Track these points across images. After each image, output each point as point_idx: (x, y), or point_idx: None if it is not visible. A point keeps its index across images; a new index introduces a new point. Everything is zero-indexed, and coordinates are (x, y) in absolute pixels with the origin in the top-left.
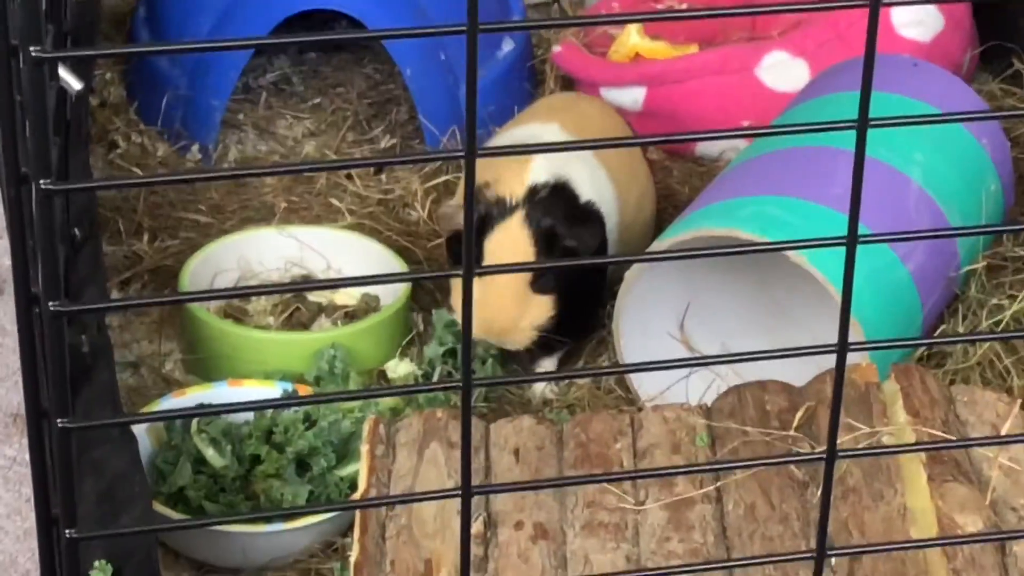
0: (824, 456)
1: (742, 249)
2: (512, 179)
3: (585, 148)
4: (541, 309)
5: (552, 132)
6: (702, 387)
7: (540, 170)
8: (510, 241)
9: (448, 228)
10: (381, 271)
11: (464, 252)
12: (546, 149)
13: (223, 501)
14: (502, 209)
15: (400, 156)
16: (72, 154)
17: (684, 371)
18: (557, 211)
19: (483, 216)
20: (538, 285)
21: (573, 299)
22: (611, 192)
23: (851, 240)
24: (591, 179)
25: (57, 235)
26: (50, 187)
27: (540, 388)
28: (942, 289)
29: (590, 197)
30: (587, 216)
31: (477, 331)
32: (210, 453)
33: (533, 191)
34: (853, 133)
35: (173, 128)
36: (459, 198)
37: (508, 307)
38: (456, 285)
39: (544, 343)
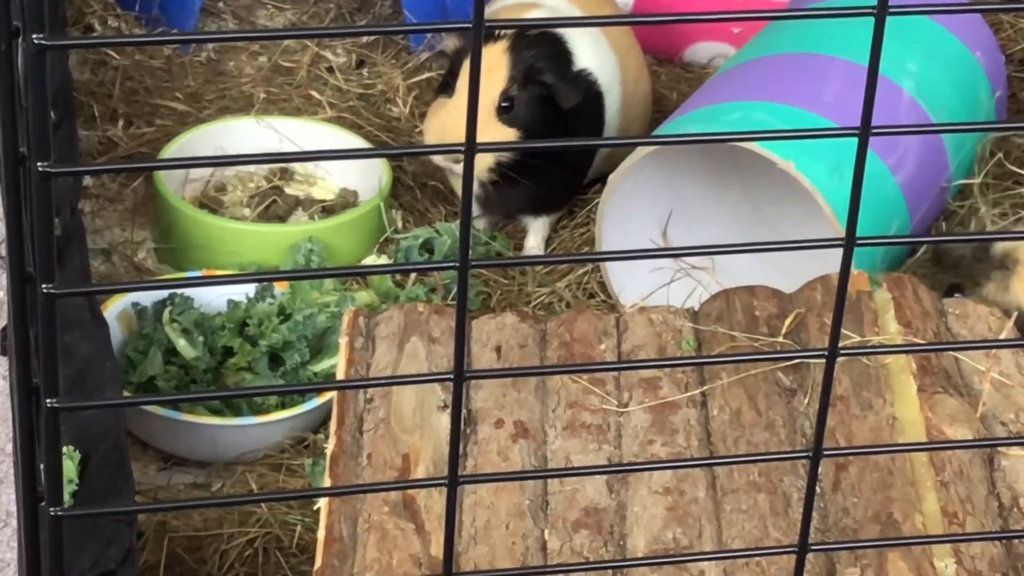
0: (826, 353)
1: (744, 136)
2: (509, 19)
3: (592, 25)
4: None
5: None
6: (683, 296)
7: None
8: (488, 64)
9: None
10: (360, 167)
11: (467, 126)
12: (556, 24)
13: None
14: (488, 36)
15: (404, 25)
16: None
17: (666, 278)
18: (544, 52)
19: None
20: (506, 116)
21: (549, 166)
22: (613, 62)
23: (864, 130)
24: (594, 48)
25: (48, 95)
26: (43, 42)
27: (531, 245)
28: (931, 202)
29: (586, 66)
30: (575, 80)
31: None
32: (181, 343)
33: (525, 30)
34: (844, 41)
35: (151, 14)
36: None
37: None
38: (432, 109)
39: (531, 205)
